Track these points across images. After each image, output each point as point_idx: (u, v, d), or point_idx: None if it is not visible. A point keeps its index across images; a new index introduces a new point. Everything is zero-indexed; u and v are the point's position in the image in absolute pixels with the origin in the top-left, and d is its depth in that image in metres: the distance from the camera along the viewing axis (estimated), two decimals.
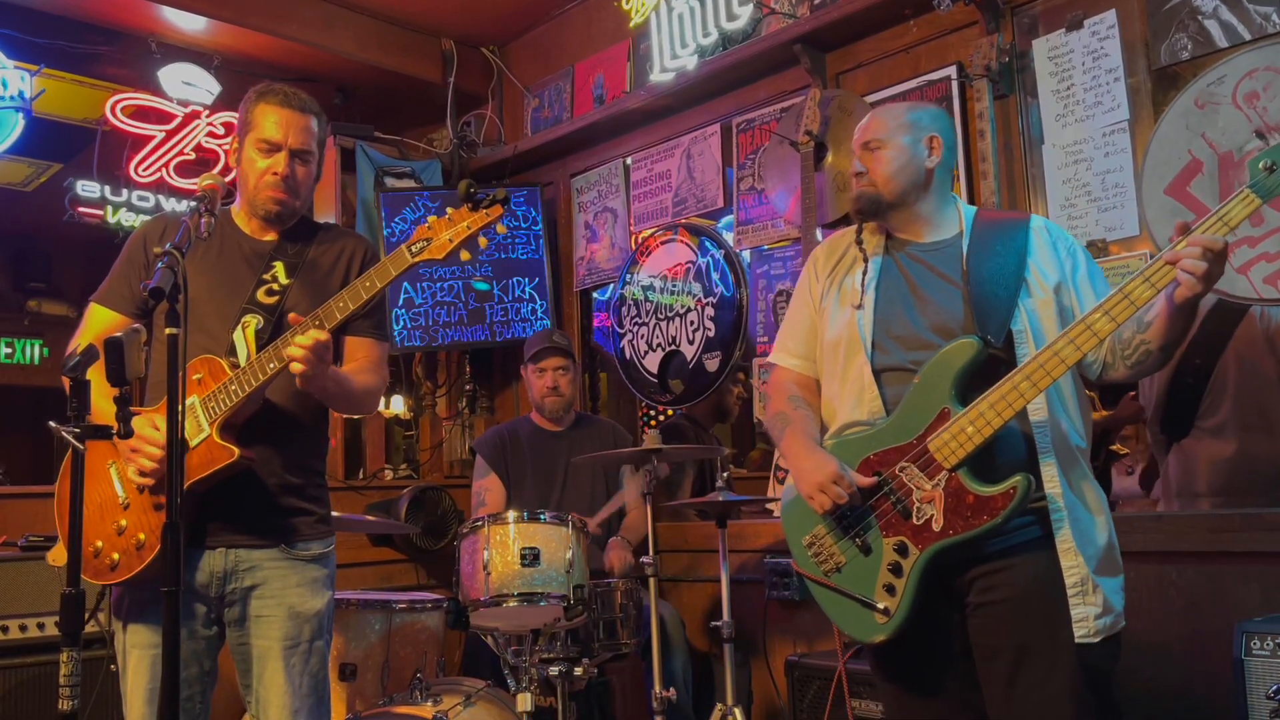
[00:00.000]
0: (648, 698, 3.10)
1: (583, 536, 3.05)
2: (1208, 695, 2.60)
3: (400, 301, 4.59)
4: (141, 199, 4.84)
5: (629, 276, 4.45)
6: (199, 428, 2.11)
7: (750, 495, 3.61)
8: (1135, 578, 2.09)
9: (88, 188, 4.71)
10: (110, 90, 4.88)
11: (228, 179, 2.25)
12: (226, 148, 4.87)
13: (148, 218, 4.13)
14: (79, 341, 2.20)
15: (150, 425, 2.07)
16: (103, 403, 1.94)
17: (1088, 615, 1.94)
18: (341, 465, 4.80)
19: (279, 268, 2.31)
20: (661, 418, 5.39)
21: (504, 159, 4.95)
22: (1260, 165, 1.81)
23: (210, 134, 4.90)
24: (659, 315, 4.32)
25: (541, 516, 3.00)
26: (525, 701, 2.86)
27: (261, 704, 2.21)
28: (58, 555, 2.05)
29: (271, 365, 2.09)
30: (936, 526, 1.97)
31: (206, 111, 4.86)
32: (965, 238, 2.16)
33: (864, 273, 2.20)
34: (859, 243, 2.26)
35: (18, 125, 4.46)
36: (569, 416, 3.91)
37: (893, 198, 2.18)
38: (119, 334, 1.79)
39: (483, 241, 2.16)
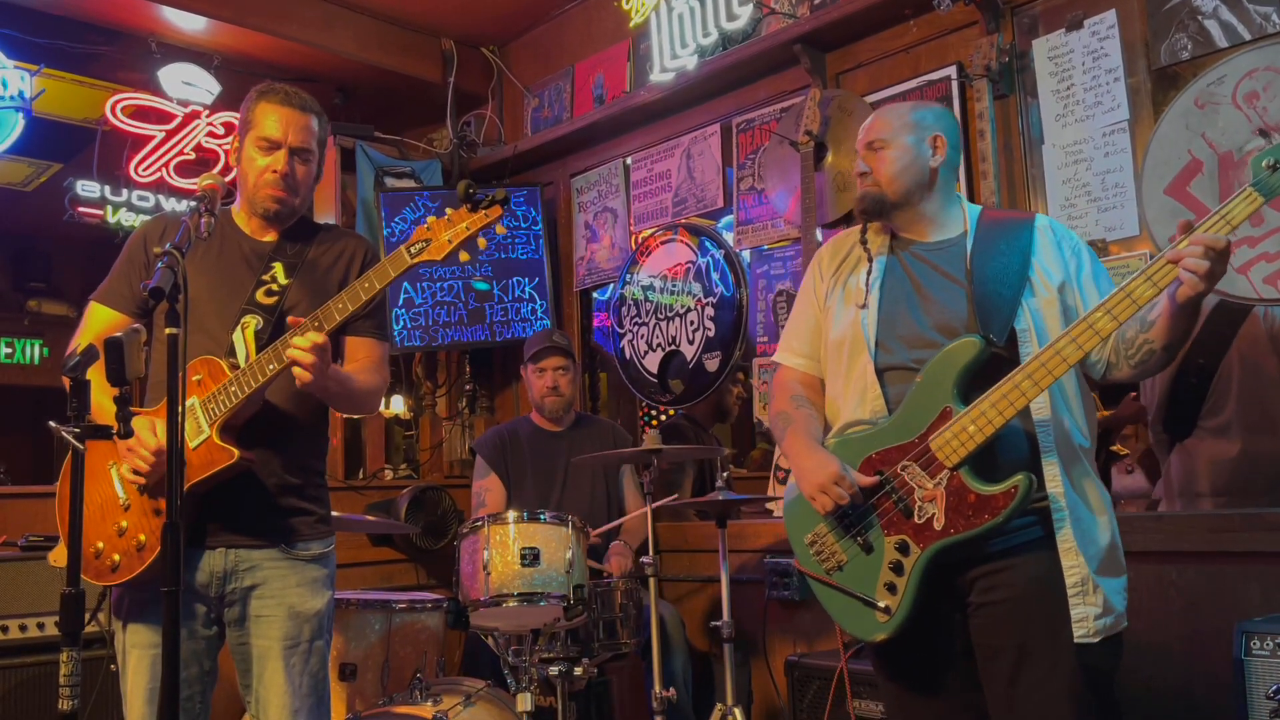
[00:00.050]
0: (648, 698, 3.10)
1: (582, 537, 3.05)
2: (1208, 695, 2.60)
3: (400, 301, 4.59)
4: (141, 199, 4.83)
5: (629, 276, 4.45)
6: (199, 429, 2.11)
7: (750, 495, 3.60)
8: (1135, 578, 2.08)
9: (88, 188, 4.71)
10: (110, 90, 4.88)
11: (228, 179, 2.25)
12: (226, 148, 4.87)
13: (148, 218, 4.13)
14: (79, 340, 2.21)
15: (149, 428, 2.07)
16: (104, 400, 1.94)
17: (1087, 615, 1.94)
18: (341, 465, 4.80)
19: (278, 268, 2.31)
20: (661, 418, 5.39)
21: (504, 159, 4.95)
22: (1263, 164, 1.80)
23: (210, 134, 4.90)
24: (659, 315, 4.32)
25: (541, 516, 3.00)
26: (525, 701, 2.86)
27: (261, 704, 2.20)
28: (59, 556, 2.05)
29: (271, 366, 2.09)
30: (938, 525, 1.97)
31: (206, 111, 4.86)
32: (970, 237, 2.16)
33: (868, 272, 2.20)
34: (863, 242, 2.26)
35: (18, 125, 4.45)
36: (569, 416, 3.91)
37: (897, 198, 2.18)
38: (119, 334, 1.79)
39: (482, 242, 2.15)
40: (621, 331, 4.46)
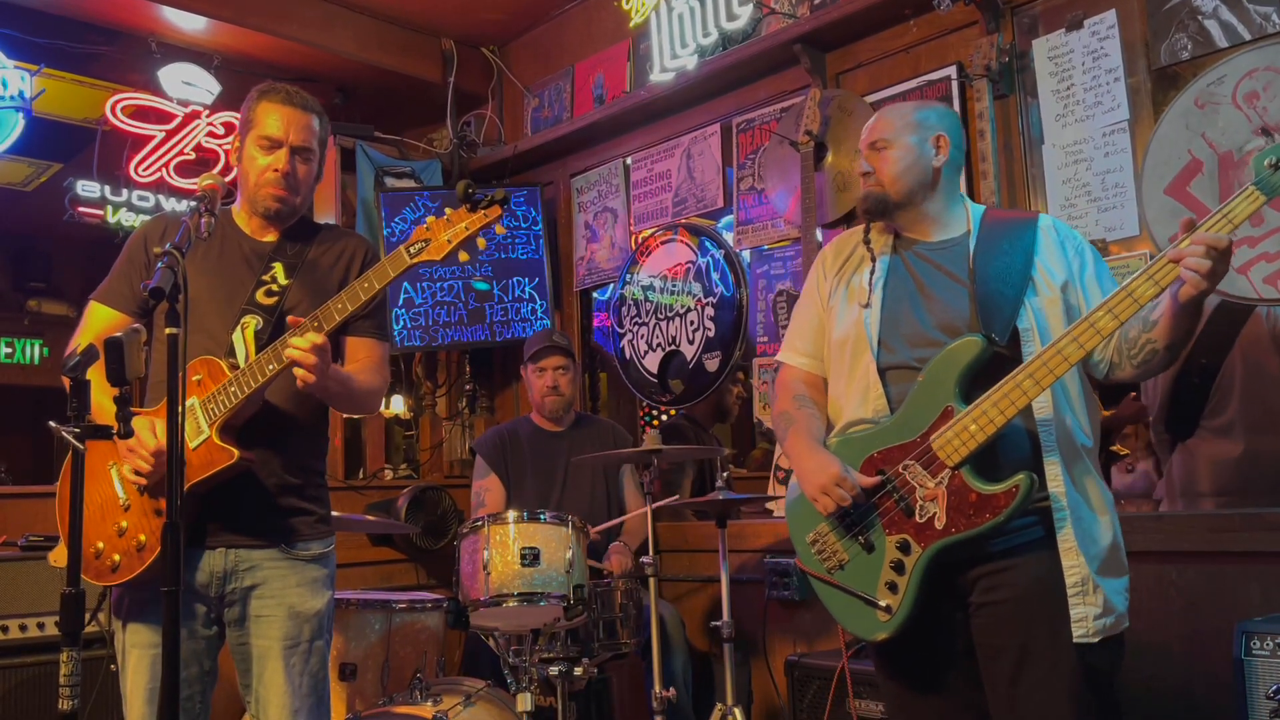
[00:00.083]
0: (647, 697, 3.10)
1: (582, 537, 3.05)
2: (1208, 695, 2.60)
3: (400, 301, 4.59)
4: (141, 199, 4.83)
5: (629, 276, 4.45)
6: (199, 429, 2.11)
7: (750, 495, 3.60)
8: (1135, 578, 2.08)
9: (88, 188, 4.71)
10: (110, 90, 4.88)
11: (228, 179, 2.25)
12: (226, 148, 4.86)
13: (148, 218, 4.13)
14: (79, 340, 2.20)
15: (149, 428, 2.07)
16: (104, 400, 1.94)
17: (1087, 615, 1.93)
18: (341, 465, 4.79)
19: (278, 268, 2.31)
20: (662, 418, 5.39)
21: (504, 159, 4.95)
22: (1265, 162, 1.80)
23: (210, 134, 4.89)
24: (659, 315, 4.32)
25: (541, 516, 3.00)
26: (525, 701, 2.86)
27: (261, 704, 2.20)
28: (59, 556, 2.05)
29: (271, 367, 2.09)
30: (939, 524, 1.97)
31: (206, 111, 4.86)
32: (973, 236, 2.16)
33: (871, 272, 2.20)
34: (867, 242, 2.26)
35: (18, 125, 4.45)
36: (569, 416, 3.90)
37: (899, 197, 2.18)
38: (119, 334, 1.78)
39: (481, 242, 2.15)
40: (621, 331, 4.46)
